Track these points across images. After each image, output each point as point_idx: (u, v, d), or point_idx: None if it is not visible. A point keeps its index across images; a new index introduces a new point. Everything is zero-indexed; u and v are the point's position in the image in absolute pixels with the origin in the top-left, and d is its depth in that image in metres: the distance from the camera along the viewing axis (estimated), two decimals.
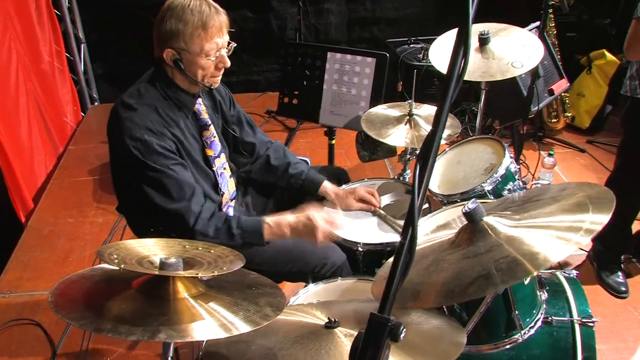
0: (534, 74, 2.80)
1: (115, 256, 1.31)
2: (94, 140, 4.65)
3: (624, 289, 3.10)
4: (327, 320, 1.46)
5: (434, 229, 1.90)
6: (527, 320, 1.87)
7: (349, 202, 2.44)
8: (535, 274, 1.31)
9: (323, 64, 3.07)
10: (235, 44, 2.15)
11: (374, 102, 2.94)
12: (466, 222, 1.55)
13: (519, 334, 1.85)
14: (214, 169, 2.29)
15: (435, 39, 2.64)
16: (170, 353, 1.34)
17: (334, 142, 3.26)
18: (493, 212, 1.54)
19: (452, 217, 1.96)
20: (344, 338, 1.42)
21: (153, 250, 1.43)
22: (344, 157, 4.25)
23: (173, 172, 2.03)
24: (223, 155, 2.35)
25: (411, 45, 4.86)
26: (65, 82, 4.88)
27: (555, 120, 4.48)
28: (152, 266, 1.35)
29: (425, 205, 2.42)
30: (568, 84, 3.83)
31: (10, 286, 3.24)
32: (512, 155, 2.16)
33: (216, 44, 2.05)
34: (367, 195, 2.45)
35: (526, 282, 1.84)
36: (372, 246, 2.25)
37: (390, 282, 0.85)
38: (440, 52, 2.46)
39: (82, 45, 5.20)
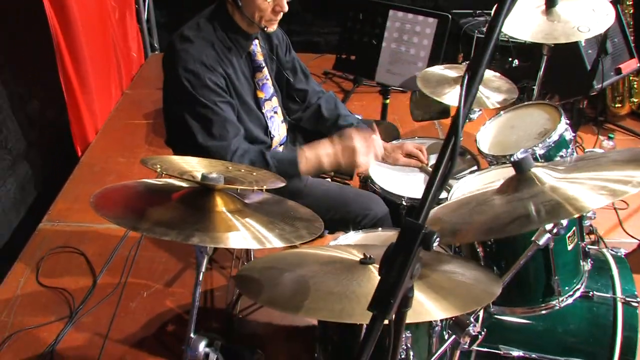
0: (601, 47, 2.69)
1: (158, 166, 1.34)
2: (151, 87, 4.71)
3: None
4: (362, 257, 1.45)
5: (479, 187, 1.86)
6: (567, 288, 1.83)
7: (396, 156, 2.42)
8: (575, 215, 1.26)
9: (384, 22, 3.02)
10: None
11: (432, 63, 2.88)
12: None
13: (557, 300, 1.80)
14: (264, 111, 2.30)
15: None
16: (203, 266, 1.36)
17: (387, 101, 3.22)
18: (543, 166, 1.49)
19: (499, 178, 1.93)
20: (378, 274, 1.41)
21: (196, 166, 1.45)
22: (397, 122, 4.20)
23: (219, 109, 2.05)
24: (275, 99, 2.35)
25: (475, 18, 4.75)
26: (132, 29, 4.96)
27: (619, 105, 4.27)
28: (194, 180, 1.37)
29: (474, 167, 2.38)
30: (639, 65, 3.65)
31: (60, 216, 3.34)
32: (568, 122, 2.08)
33: None
34: (415, 150, 2.41)
35: (569, 247, 1.79)
36: (416, 201, 2.23)
37: (428, 189, 0.83)
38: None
39: None
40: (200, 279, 1.38)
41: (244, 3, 2.06)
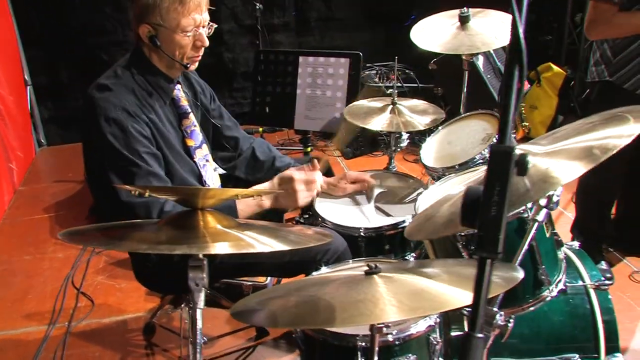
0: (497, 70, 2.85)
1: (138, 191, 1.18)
2: (46, 180, 4.42)
3: (609, 275, 3.09)
4: (367, 268, 1.34)
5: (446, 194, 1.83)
6: (553, 278, 1.80)
7: (342, 186, 2.35)
8: (561, 185, 1.25)
9: (295, 69, 3.02)
10: (216, 25, 2.07)
11: (349, 102, 2.90)
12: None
13: (547, 290, 1.77)
14: (196, 160, 2.17)
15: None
16: (202, 303, 1.19)
17: (309, 149, 3.18)
18: (525, 145, 1.49)
19: (460, 183, 1.91)
20: (384, 284, 1.30)
21: None
22: None
23: (143, 162, 1.91)
24: (205, 147, 2.23)
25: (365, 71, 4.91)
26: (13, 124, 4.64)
27: (514, 132, 4.55)
28: None
29: (420, 189, 2.36)
30: (528, 85, 3.91)
31: None
32: None
33: (194, 20, 1.96)
34: (359, 174, 2.37)
35: (547, 235, 1.78)
36: (372, 230, 2.17)
37: (506, 109, 0.76)
38: (420, 34, 2.47)
39: (29, 88, 4.99)
40: (199, 317, 1.20)
41: (162, 42, 1.96)
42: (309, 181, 2.05)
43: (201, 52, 2.06)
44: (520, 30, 0.79)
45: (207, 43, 2.04)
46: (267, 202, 2.03)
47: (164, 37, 1.96)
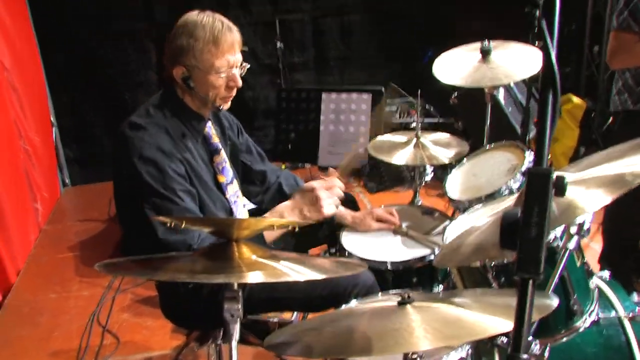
0: (525, 109, 2.85)
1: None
2: (70, 219, 4.47)
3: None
4: (400, 299, 1.34)
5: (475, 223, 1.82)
6: (586, 308, 1.78)
7: (368, 222, 2.36)
8: (591, 211, 1.25)
9: (318, 106, 3.06)
10: (249, 65, 2.11)
11: (373, 137, 2.92)
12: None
13: (580, 320, 1.74)
14: (227, 196, 2.19)
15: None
16: (237, 333, 1.20)
17: None
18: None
19: (485, 215, 1.90)
20: (418, 314, 1.30)
21: None
22: None
23: (179, 199, 1.92)
24: (235, 183, 2.25)
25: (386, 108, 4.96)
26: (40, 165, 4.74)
27: None
28: None
29: (447, 222, 2.36)
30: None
31: None
32: (532, 152, 2.14)
33: (227, 61, 2.00)
34: (385, 214, 2.37)
35: (578, 264, 1.77)
36: (400, 264, 2.17)
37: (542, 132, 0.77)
38: (442, 68, 2.50)
39: (54, 129, 5.10)
40: (234, 349, 1.21)
41: (196, 83, 2.00)
42: (329, 187, 2.07)
43: (234, 93, 2.09)
44: (553, 55, 0.81)
45: (240, 83, 2.06)
46: (292, 218, 2.02)
47: (198, 78, 1.99)
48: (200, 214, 1.99)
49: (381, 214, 2.38)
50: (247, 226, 1.26)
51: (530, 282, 0.76)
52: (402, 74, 5.62)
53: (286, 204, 2.07)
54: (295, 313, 2.66)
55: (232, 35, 2.01)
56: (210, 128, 2.17)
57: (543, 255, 0.74)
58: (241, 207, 2.26)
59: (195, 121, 2.09)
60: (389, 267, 2.16)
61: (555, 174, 0.77)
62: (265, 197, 2.43)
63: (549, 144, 0.79)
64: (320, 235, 2.44)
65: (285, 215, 2.03)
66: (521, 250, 0.76)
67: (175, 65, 2.00)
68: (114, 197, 2.08)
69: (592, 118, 4.72)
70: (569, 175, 1.41)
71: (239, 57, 2.05)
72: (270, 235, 2.02)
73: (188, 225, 1.26)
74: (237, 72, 2.05)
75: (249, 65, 2.11)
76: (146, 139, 1.93)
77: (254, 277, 1.12)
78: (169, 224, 1.26)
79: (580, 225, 1.50)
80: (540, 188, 0.75)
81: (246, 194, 2.40)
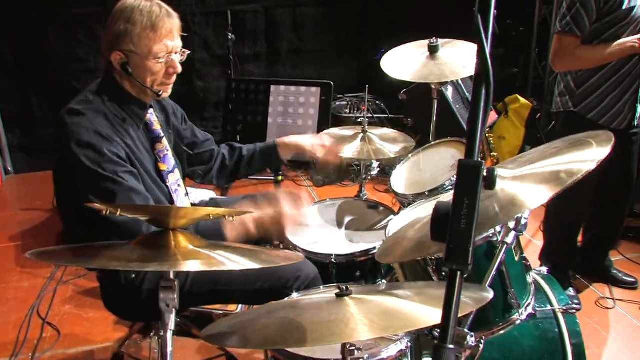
0: (465, 100, 2.91)
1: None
2: (12, 208, 4.32)
3: (577, 301, 3.13)
4: (338, 290, 1.35)
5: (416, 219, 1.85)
6: (523, 301, 1.83)
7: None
8: (530, 208, 1.28)
9: (267, 98, 3.05)
10: (189, 51, 2.08)
11: (321, 130, 2.92)
12: None
13: (517, 313, 1.79)
14: (168, 184, 2.15)
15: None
16: (172, 323, 1.18)
17: (280, 178, 3.18)
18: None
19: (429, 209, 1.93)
20: (355, 305, 1.31)
21: None
22: None
23: (122, 179, 1.88)
24: (177, 172, 2.22)
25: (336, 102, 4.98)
26: None
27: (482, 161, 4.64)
28: None
29: (390, 217, 2.38)
30: (496, 116, 4.00)
31: None
32: None
33: (166, 47, 1.96)
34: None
35: (516, 258, 1.81)
36: (344, 257, 2.18)
37: (473, 125, 0.78)
38: (391, 63, 2.52)
39: None
40: (169, 340, 1.19)
41: (134, 69, 1.95)
42: (296, 202, 2.02)
43: (173, 79, 2.05)
44: (487, 50, 0.82)
45: (179, 69, 2.03)
46: (253, 228, 1.97)
47: (136, 63, 1.95)
48: (147, 194, 1.94)
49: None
50: (184, 215, 1.24)
51: (459, 273, 0.76)
52: (354, 68, 5.65)
53: (253, 215, 2.00)
54: (241, 305, 2.65)
55: (172, 21, 1.97)
56: (152, 115, 2.13)
57: (472, 246, 0.75)
58: (182, 195, 2.22)
59: (135, 107, 2.04)
60: (333, 259, 2.17)
61: (485, 167, 0.79)
62: (212, 174, 2.42)
63: (480, 137, 0.81)
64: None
65: (248, 225, 1.96)
66: (451, 241, 0.77)
67: (113, 51, 1.95)
68: (54, 186, 2.02)
69: (537, 118, 4.86)
70: (508, 172, 1.45)
71: (178, 42, 2.01)
72: (231, 233, 1.96)
73: (124, 213, 1.23)
74: (176, 58, 2.01)
75: (189, 52, 2.07)
76: (84, 124, 1.88)
77: (189, 266, 1.11)
78: (104, 212, 1.22)
79: (518, 220, 1.53)
80: (470, 180, 0.77)
81: (197, 175, 2.40)
